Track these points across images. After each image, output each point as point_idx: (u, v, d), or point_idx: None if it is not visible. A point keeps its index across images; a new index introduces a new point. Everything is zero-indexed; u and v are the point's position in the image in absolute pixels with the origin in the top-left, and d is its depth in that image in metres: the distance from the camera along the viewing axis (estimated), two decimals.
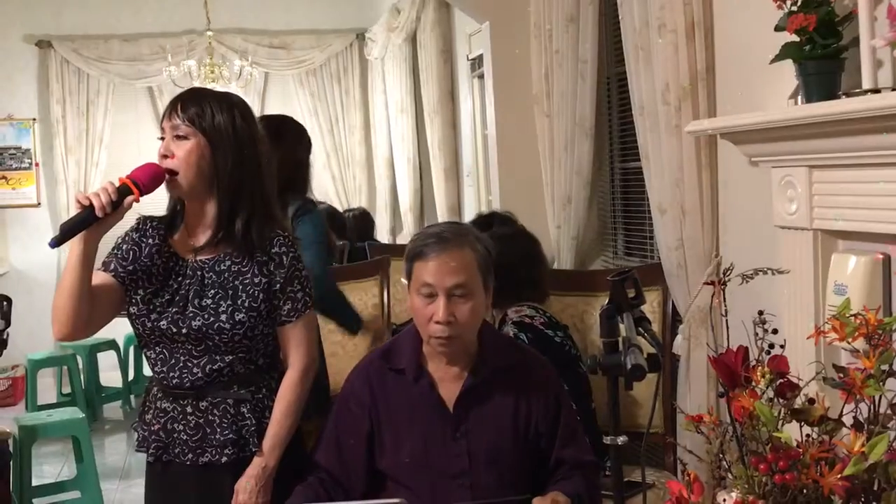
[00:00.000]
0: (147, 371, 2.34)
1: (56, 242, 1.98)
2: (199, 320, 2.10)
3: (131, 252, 2.16)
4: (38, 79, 7.62)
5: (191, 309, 2.11)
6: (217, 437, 2.14)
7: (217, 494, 2.16)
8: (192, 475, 2.17)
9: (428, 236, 2.07)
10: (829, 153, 2.06)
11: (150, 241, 2.18)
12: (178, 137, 2.09)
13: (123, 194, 2.01)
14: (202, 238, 2.16)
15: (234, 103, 2.17)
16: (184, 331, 2.10)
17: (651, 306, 3.15)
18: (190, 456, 2.15)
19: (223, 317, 2.10)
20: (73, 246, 2.02)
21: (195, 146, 2.08)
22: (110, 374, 6.99)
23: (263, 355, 2.20)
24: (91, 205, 1.97)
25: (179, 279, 2.15)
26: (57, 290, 2.07)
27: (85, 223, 1.98)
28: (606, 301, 1.55)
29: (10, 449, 4.39)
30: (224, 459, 2.13)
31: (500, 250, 2.99)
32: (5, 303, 3.36)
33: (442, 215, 6.34)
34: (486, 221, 3.62)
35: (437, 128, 6.41)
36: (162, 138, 2.12)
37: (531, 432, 2.10)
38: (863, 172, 1.99)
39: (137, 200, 2.05)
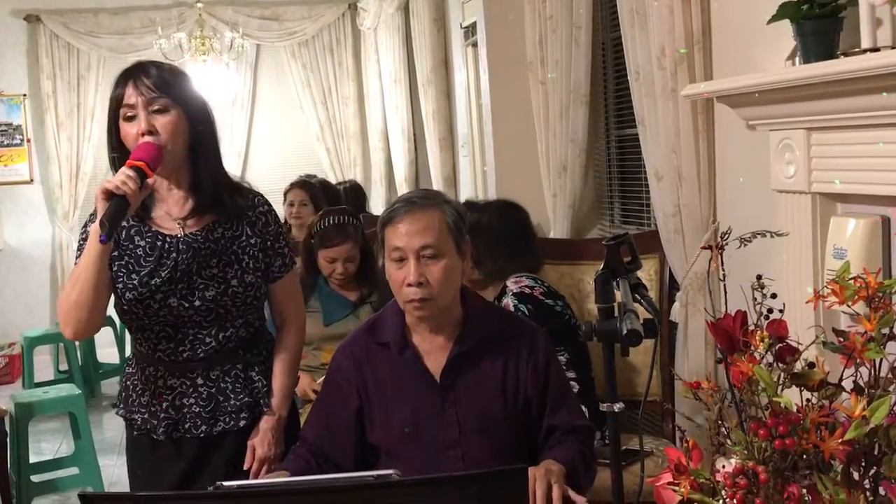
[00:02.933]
0: None
1: (108, 237, 1.95)
2: (211, 290, 2.11)
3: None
4: (27, 54, 7.52)
5: (199, 281, 2.11)
6: (232, 402, 2.16)
7: (219, 460, 2.17)
8: (192, 445, 2.17)
9: (396, 202, 2.09)
10: (828, 115, 2.03)
11: (125, 223, 2.12)
12: (157, 111, 2.04)
13: (142, 177, 1.98)
14: (184, 209, 2.14)
15: (181, 69, 2.20)
16: (196, 303, 2.10)
17: (648, 274, 3.13)
18: (203, 427, 2.15)
19: (234, 282, 2.12)
20: (92, 242, 1.99)
21: (176, 117, 2.05)
22: (107, 350, 6.97)
23: (258, 317, 2.25)
24: (122, 193, 1.93)
25: (173, 255, 2.11)
26: (72, 290, 2.02)
27: (123, 211, 1.96)
28: (601, 266, 1.53)
29: (7, 427, 4.39)
30: (242, 424, 2.17)
31: (497, 224, 2.98)
32: None
33: (437, 186, 6.30)
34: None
35: (431, 98, 6.35)
36: (131, 117, 2.04)
37: (520, 399, 2.09)
38: (862, 134, 1.96)
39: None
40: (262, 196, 2.25)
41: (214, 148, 2.15)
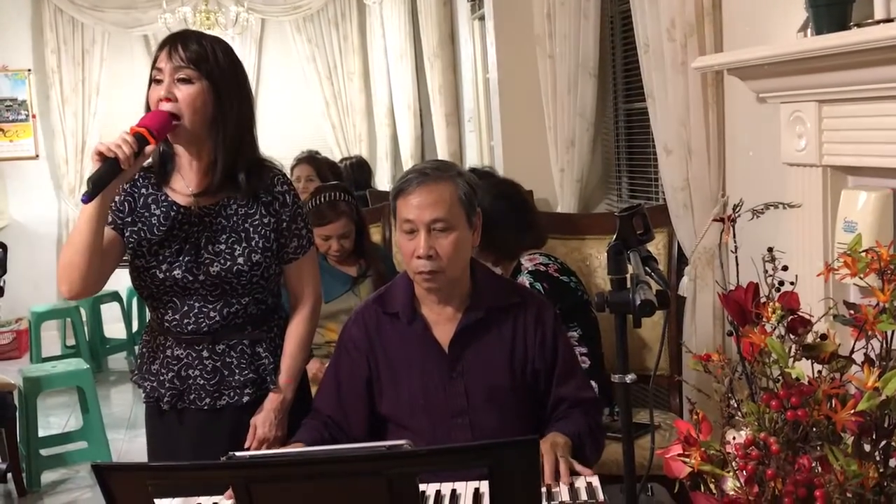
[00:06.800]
0: None
1: (89, 197, 1.94)
2: (216, 266, 2.10)
3: (126, 203, 2.14)
4: (31, 28, 7.50)
5: (205, 255, 2.10)
6: (236, 377, 2.16)
7: (222, 433, 2.17)
8: (196, 417, 2.18)
9: (409, 173, 2.08)
10: (840, 87, 2.01)
11: (144, 191, 2.15)
12: (182, 80, 2.03)
13: (142, 143, 1.97)
14: (200, 184, 2.13)
15: (226, 44, 2.15)
16: (200, 277, 2.10)
17: (656, 248, 3.12)
18: (207, 400, 2.16)
19: (240, 260, 2.11)
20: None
21: (199, 90, 2.03)
22: (114, 325, 7.00)
23: (272, 295, 2.23)
24: (114, 156, 1.93)
25: (185, 227, 2.12)
26: (67, 249, 2.04)
27: (112, 175, 1.95)
28: (614, 237, 1.52)
29: (16, 401, 4.41)
30: (246, 399, 2.16)
31: (491, 205, 2.96)
32: (0, 250, 3.33)
33: None
34: None
35: (437, 72, 6.33)
36: (159, 80, 2.04)
37: (528, 370, 2.10)
38: (874, 106, 1.94)
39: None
40: (283, 176, 2.21)
41: (239, 127, 2.11)
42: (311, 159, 4.82)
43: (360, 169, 5.97)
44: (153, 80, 2.06)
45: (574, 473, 1.88)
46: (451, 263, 2.03)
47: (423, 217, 2.00)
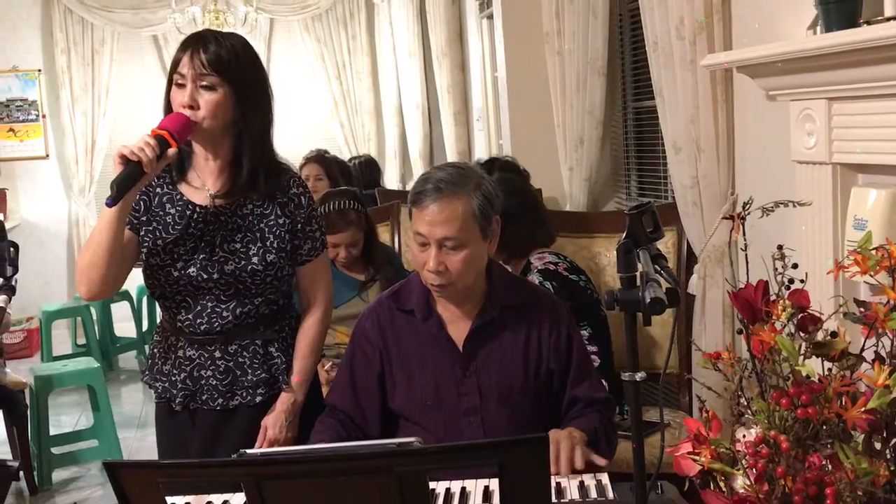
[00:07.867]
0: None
1: (113, 201, 1.94)
2: (231, 265, 2.10)
3: (142, 202, 2.14)
4: (41, 29, 7.53)
5: (220, 254, 2.11)
6: (249, 378, 2.17)
7: (235, 433, 2.17)
8: (209, 417, 2.18)
9: (426, 182, 2.04)
10: (850, 84, 2.01)
11: (159, 190, 2.15)
12: (203, 87, 2.02)
13: (163, 146, 1.97)
14: (216, 183, 2.14)
15: (244, 40, 2.14)
16: (215, 276, 2.10)
17: (665, 246, 3.12)
18: (220, 401, 2.16)
19: (255, 259, 2.11)
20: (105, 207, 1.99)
21: (222, 98, 2.03)
22: (124, 324, 7.03)
23: (283, 295, 2.24)
24: (137, 160, 1.93)
25: (201, 226, 2.12)
26: (86, 251, 2.04)
27: (135, 178, 1.95)
28: (623, 235, 1.52)
29: (27, 400, 4.43)
30: (258, 399, 2.17)
31: (508, 203, 2.95)
32: (12, 249, 3.35)
33: (452, 161, 6.29)
34: (487, 168, 3.56)
35: (445, 71, 6.33)
36: (181, 84, 2.04)
37: (542, 370, 2.10)
38: (885, 103, 1.94)
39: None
40: (298, 178, 2.21)
41: (261, 130, 2.11)
42: (320, 158, 4.82)
43: (369, 168, 5.97)
44: (176, 84, 2.05)
45: (591, 470, 1.88)
46: (461, 278, 2.02)
47: (434, 234, 1.99)
